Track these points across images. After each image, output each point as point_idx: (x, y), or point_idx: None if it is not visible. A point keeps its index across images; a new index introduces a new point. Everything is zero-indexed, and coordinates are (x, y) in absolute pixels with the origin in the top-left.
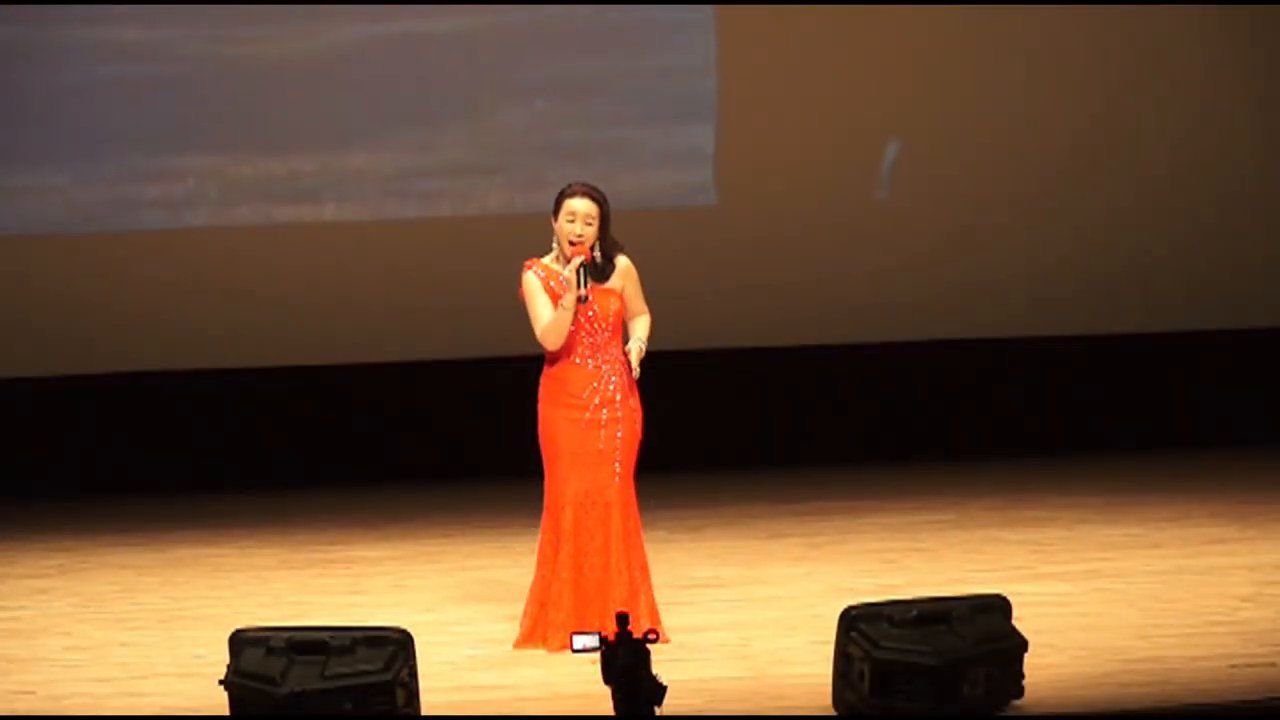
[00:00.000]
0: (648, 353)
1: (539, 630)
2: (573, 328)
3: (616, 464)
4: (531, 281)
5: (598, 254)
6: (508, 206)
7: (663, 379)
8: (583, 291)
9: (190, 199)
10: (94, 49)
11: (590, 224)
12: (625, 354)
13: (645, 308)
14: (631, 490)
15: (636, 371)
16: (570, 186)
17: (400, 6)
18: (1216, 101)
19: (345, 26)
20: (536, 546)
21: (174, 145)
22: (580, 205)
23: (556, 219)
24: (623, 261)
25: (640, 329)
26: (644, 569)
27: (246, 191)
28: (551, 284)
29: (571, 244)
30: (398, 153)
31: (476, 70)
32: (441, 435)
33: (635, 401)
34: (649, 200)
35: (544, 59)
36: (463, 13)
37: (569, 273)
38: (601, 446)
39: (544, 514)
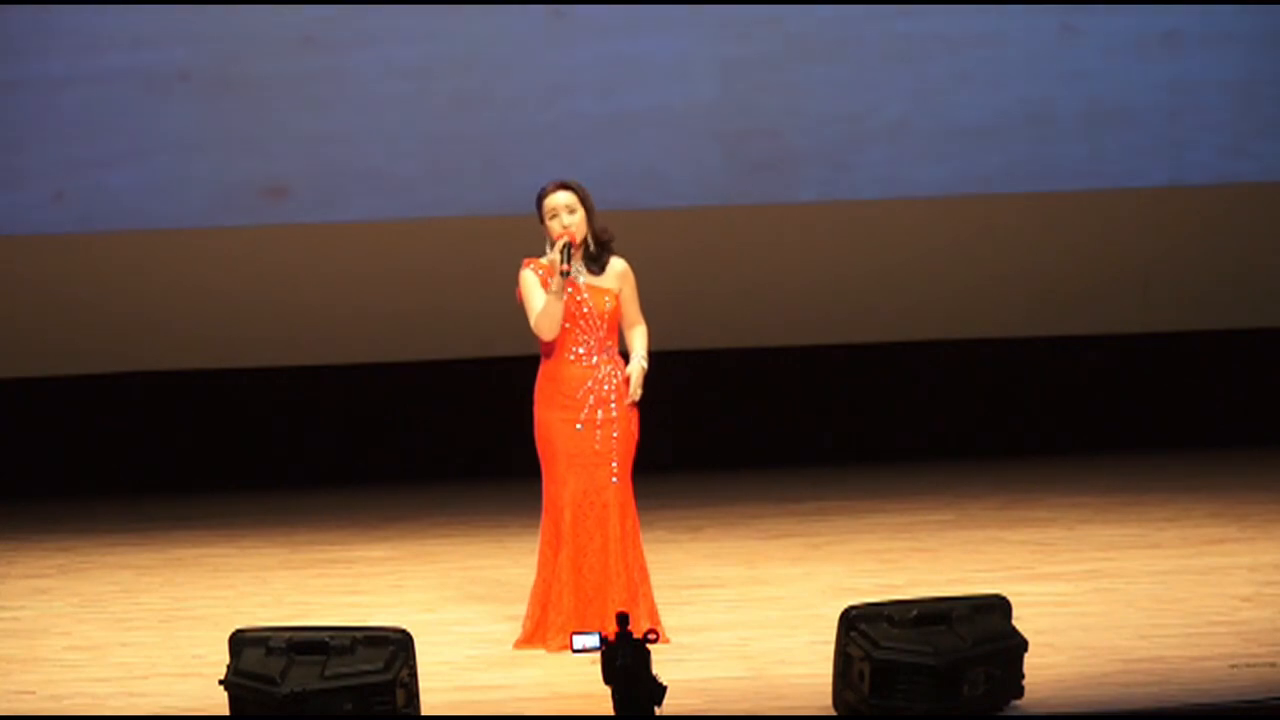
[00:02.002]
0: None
1: (540, 632)
2: (567, 325)
3: (613, 465)
4: (528, 277)
5: (591, 242)
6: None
7: (663, 379)
8: (565, 266)
9: (188, 197)
10: (89, 37)
11: (573, 211)
12: (626, 373)
13: (641, 318)
14: (629, 491)
15: (638, 394)
16: (543, 188)
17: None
18: (1217, 99)
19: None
20: (535, 546)
21: (172, 144)
22: (559, 198)
23: (543, 223)
24: (620, 264)
25: (640, 344)
26: (643, 570)
27: (247, 191)
28: (548, 279)
29: (560, 235)
30: (398, 153)
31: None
32: (441, 435)
33: (630, 402)
34: (653, 190)
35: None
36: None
37: (554, 254)
38: (598, 448)
39: (543, 516)
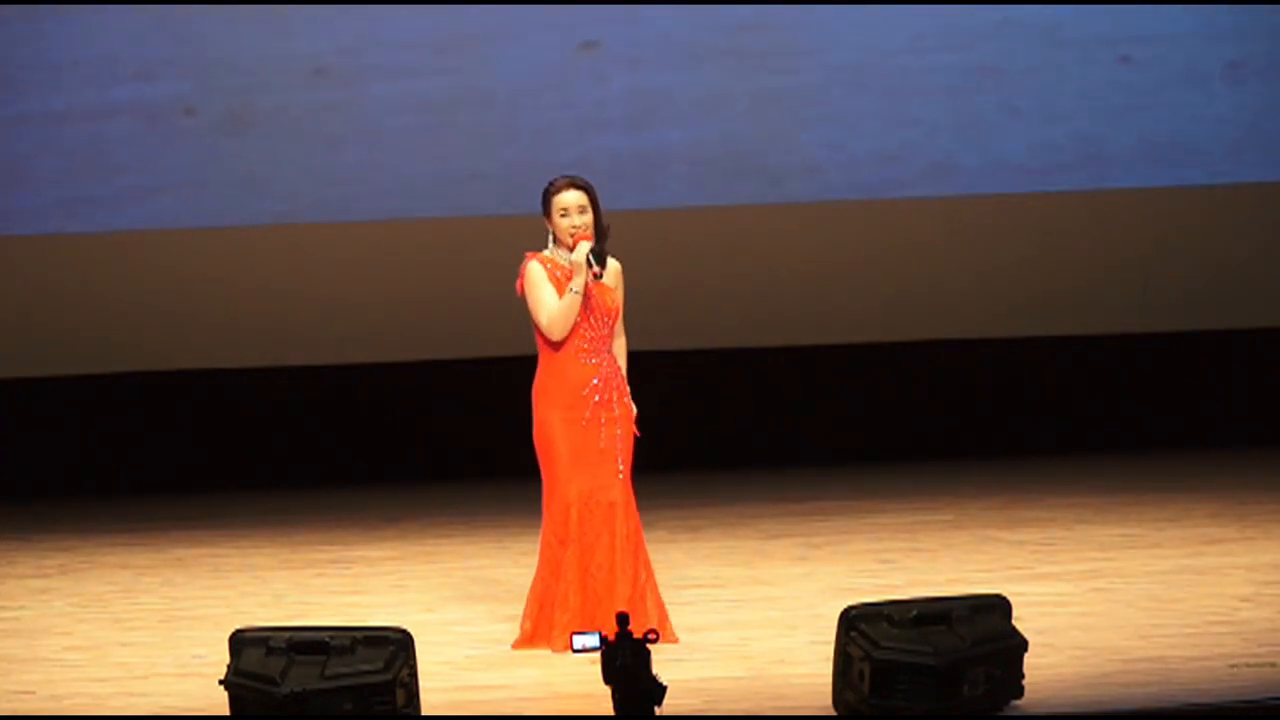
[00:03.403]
0: (633, 354)
1: (541, 631)
2: (576, 321)
3: (619, 462)
4: (535, 270)
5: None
6: (505, 205)
7: (663, 379)
8: (598, 269)
9: (188, 199)
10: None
11: (585, 212)
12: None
13: (622, 326)
14: (631, 489)
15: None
16: (553, 183)
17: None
18: (1217, 97)
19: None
20: (535, 546)
21: (174, 143)
22: (570, 198)
23: (549, 218)
24: (615, 264)
25: (623, 365)
26: (648, 567)
27: (245, 191)
28: (557, 274)
29: (574, 235)
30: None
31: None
32: (441, 435)
33: (629, 400)
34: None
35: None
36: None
37: (578, 256)
38: (603, 446)
39: (545, 516)
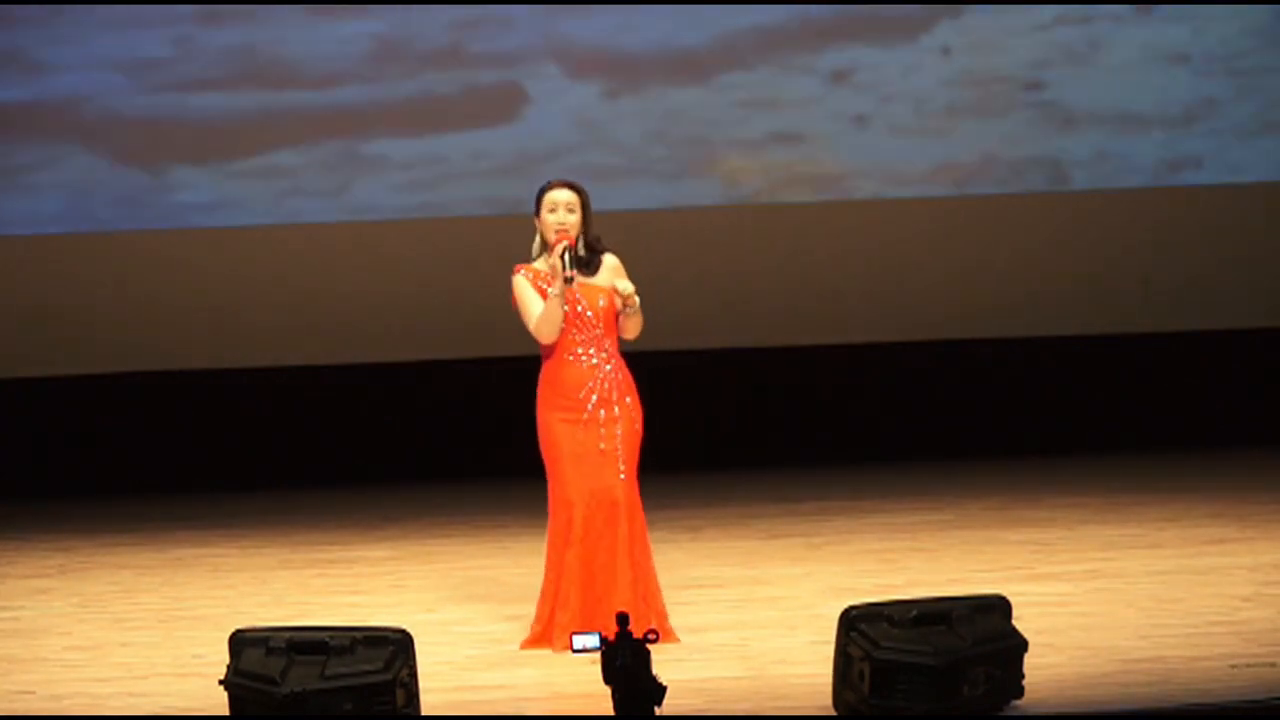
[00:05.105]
0: (636, 354)
1: (549, 632)
2: (564, 325)
3: (620, 463)
4: (520, 282)
5: (581, 244)
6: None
7: (663, 379)
8: (569, 273)
9: (189, 200)
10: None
11: (572, 211)
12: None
13: (635, 321)
14: (636, 489)
15: (628, 290)
16: (548, 182)
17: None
18: (1216, 98)
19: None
20: (535, 546)
21: (178, 143)
22: (561, 195)
23: (539, 216)
24: (612, 259)
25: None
26: (650, 569)
27: (243, 192)
28: (539, 283)
29: (557, 232)
30: (397, 151)
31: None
32: (441, 435)
33: (634, 400)
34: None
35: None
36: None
37: (555, 258)
38: (603, 446)
39: (550, 517)
